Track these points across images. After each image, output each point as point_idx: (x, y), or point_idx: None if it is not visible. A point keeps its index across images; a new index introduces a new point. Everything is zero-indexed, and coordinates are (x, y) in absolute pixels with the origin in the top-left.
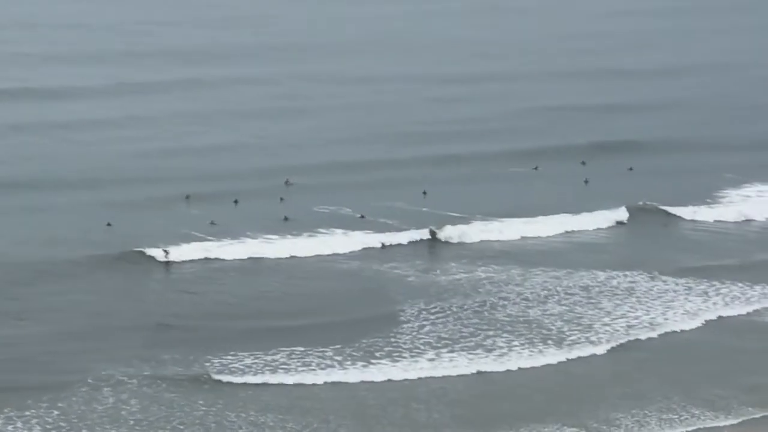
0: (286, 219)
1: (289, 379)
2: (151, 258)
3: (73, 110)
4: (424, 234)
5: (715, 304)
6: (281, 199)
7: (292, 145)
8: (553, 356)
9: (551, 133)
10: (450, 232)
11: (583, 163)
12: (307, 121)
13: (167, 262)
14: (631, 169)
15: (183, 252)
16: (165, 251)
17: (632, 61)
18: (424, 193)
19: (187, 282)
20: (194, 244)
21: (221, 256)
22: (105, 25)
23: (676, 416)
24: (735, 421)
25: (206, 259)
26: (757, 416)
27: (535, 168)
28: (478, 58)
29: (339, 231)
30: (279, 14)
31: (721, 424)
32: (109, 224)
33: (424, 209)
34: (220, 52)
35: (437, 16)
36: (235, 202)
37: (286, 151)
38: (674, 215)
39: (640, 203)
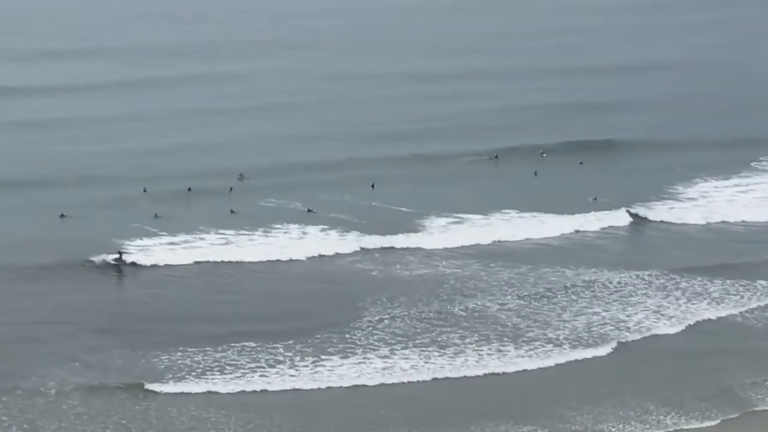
0: (232, 212)
1: (233, 377)
2: (101, 260)
3: (34, 109)
4: (387, 234)
5: (677, 299)
6: (230, 188)
7: (252, 143)
8: (509, 354)
9: (511, 132)
10: (409, 236)
11: (543, 153)
12: (272, 119)
13: (116, 265)
14: (581, 163)
15: (133, 255)
16: (120, 253)
17: (601, 59)
18: (372, 186)
19: (140, 284)
20: (145, 242)
21: (171, 259)
22: (67, 20)
23: (632, 412)
24: (712, 423)
25: (155, 263)
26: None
27: (495, 156)
28: (448, 56)
29: (292, 226)
30: (247, 10)
31: (699, 426)
32: (62, 215)
33: (373, 203)
34: (189, 50)
35: (408, 14)
36: (189, 189)
37: (246, 149)
38: (633, 213)
39: (591, 199)
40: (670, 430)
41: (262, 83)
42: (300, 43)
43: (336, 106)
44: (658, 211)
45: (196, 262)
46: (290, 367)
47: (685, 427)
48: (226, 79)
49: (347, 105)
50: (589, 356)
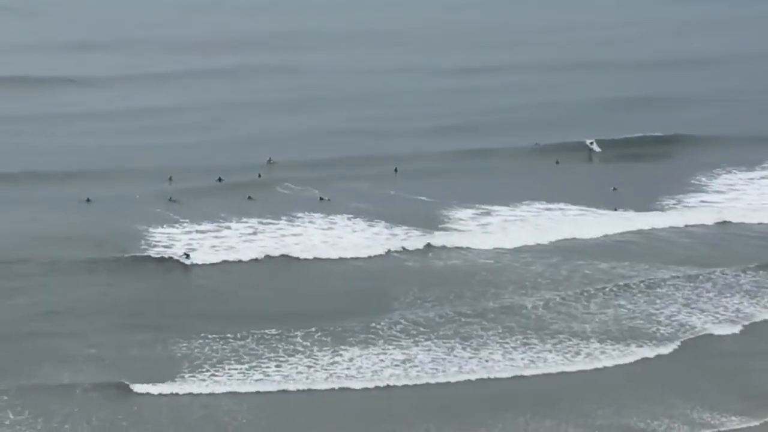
0: (249, 198)
1: (249, 366)
2: (131, 254)
3: (67, 101)
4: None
5: (708, 292)
6: (259, 175)
7: (286, 135)
8: (535, 348)
9: (550, 126)
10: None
11: (591, 144)
12: (305, 113)
13: (143, 258)
14: (600, 150)
15: (155, 248)
16: (186, 254)
17: (645, 54)
18: (396, 170)
19: (164, 275)
20: (168, 230)
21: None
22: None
23: (659, 408)
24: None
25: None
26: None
27: (536, 144)
28: (487, 49)
29: (315, 215)
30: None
31: (742, 426)
32: (88, 200)
33: (392, 192)
34: (217, 42)
35: (446, 4)
36: (219, 180)
37: (278, 141)
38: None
39: (612, 188)
40: (714, 430)
41: (307, 76)
42: (340, 36)
43: (373, 100)
44: (685, 205)
45: (223, 261)
46: (308, 357)
47: (727, 429)
48: (272, 71)
49: (385, 98)
50: (619, 351)
